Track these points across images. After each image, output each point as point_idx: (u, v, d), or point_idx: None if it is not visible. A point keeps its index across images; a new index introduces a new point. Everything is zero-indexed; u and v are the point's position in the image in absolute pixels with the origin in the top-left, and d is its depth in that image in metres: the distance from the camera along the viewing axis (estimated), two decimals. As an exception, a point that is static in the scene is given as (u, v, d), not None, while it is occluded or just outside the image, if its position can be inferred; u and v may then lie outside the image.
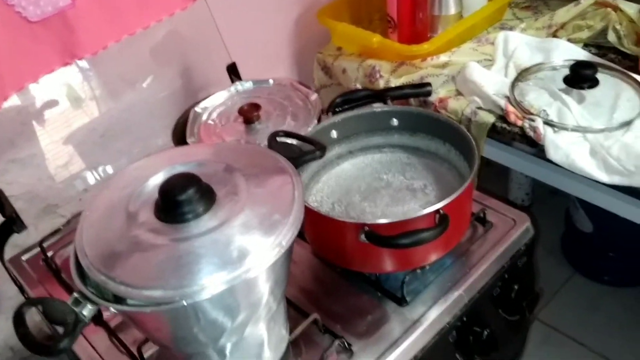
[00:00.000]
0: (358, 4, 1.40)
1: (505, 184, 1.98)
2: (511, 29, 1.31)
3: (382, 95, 0.91)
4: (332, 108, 0.89)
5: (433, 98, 1.18)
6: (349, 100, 0.90)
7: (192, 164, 0.69)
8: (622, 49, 1.19)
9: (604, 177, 0.97)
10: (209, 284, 0.58)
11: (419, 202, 0.84)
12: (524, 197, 1.94)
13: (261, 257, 0.60)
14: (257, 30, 1.36)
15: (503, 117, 1.10)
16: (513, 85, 1.14)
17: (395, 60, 1.27)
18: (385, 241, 0.73)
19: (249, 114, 0.96)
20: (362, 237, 0.71)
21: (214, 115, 1.03)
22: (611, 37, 1.20)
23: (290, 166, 0.68)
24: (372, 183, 0.90)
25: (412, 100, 1.21)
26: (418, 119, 0.88)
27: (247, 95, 1.06)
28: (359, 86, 1.30)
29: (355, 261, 0.80)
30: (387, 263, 0.79)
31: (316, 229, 0.81)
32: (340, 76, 1.36)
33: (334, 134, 0.90)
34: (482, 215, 0.89)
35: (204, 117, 1.03)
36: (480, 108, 1.14)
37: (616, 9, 1.19)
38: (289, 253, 0.66)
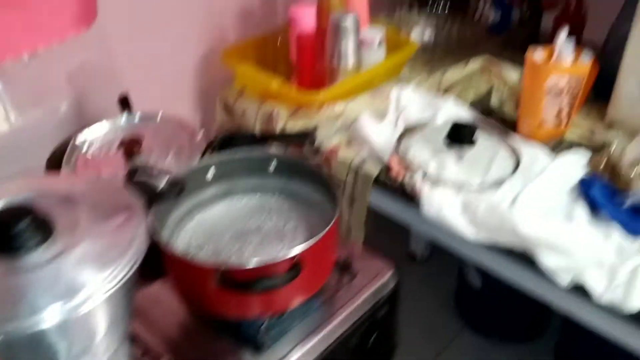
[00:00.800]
0: (264, 46, 1.43)
1: (407, 236, 2.03)
2: (407, 83, 1.36)
3: (264, 139, 0.93)
4: (212, 148, 0.90)
5: (325, 146, 1.21)
6: (230, 141, 0.91)
7: (32, 194, 0.67)
8: (502, 113, 1.26)
9: (470, 232, 1.01)
10: (38, 317, 0.58)
11: (285, 247, 0.85)
12: (422, 249, 1.99)
13: (94, 291, 0.60)
14: (161, 63, 1.36)
15: (387, 169, 1.14)
16: (399, 140, 1.19)
17: (293, 105, 1.29)
18: (238, 285, 0.73)
19: (129, 147, 0.95)
20: (216, 280, 0.71)
21: (95, 146, 1.02)
22: (494, 100, 1.27)
23: (139, 204, 0.67)
24: (245, 225, 0.90)
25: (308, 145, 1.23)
26: (293, 165, 0.90)
27: (132, 128, 1.05)
28: (258, 128, 1.32)
29: (213, 305, 0.79)
30: (244, 308, 0.79)
31: (174, 271, 0.80)
32: (240, 118, 1.37)
33: (210, 174, 0.91)
34: (347, 262, 0.91)
35: (84, 147, 1.01)
36: (367, 159, 1.17)
37: (499, 74, 1.27)
38: (128, 290, 0.65)
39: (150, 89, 1.34)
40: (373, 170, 1.15)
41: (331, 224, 0.76)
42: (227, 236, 0.88)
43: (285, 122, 1.27)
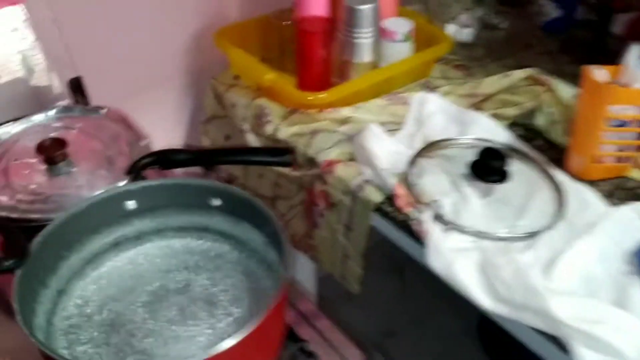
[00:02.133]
0: (270, 30, 1.19)
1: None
2: (435, 89, 1.11)
3: (213, 157, 0.69)
4: (136, 170, 0.68)
5: (322, 159, 0.98)
6: (165, 161, 0.68)
7: None
8: (550, 136, 0.99)
9: (487, 303, 0.77)
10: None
11: (210, 327, 0.62)
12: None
13: None
14: (145, 42, 1.14)
15: (392, 198, 0.90)
16: (413, 161, 0.94)
17: (288, 105, 1.06)
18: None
19: (49, 151, 0.74)
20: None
21: (18, 145, 0.81)
22: (540, 120, 1.01)
23: None
24: (168, 282, 0.67)
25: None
26: (242, 204, 0.66)
27: (67, 124, 0.84)
28: (247, 127, 1.09)
29: None
30: None
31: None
32: (229, 110, 1.15)
33: (131, 204, 0.68)
34: (304, 348, 0.67)
35: (4, 145, 0.81)
36: (369, 182, 0.94)
37: (549, 89, 1.00)
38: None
39: (131, 71, 1.13)
40: (374, 196, 0.92)
41: (270, 306, 0.53)
42: (142, 297, 0.65)
43: (277, 125, 1.04)
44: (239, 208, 0.66)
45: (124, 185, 0.67)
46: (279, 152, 0.76)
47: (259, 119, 1.07)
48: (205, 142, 1.21)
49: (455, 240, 0.83)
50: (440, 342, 1.63)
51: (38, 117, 0.86)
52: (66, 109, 0.87)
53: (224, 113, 1.18)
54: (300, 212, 1.09)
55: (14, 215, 0.71)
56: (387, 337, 1.65)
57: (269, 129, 1.04)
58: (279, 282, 0.55)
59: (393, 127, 1.03)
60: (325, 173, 0.98)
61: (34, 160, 0.78)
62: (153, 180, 0.67)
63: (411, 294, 1.74)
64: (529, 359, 1.50)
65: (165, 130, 1.25)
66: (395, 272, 1.77)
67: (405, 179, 0.91)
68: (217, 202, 0.67)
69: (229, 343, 0.50)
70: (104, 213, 0.66)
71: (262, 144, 1.07)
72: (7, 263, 0.47)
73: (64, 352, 0.58)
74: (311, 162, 1.00)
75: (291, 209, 1.11)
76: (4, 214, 0.71)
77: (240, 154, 0.76)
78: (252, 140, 1.08)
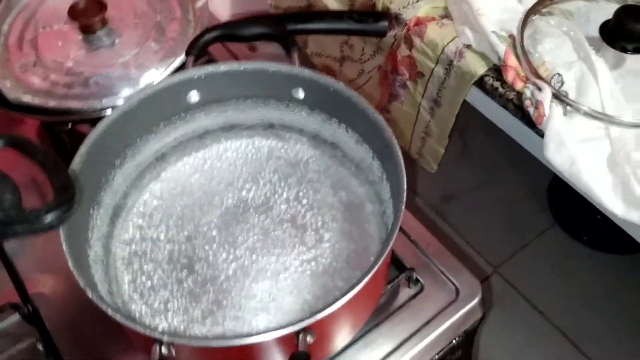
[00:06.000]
0: None
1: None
2: None
3: (291, 28, 0.53)
4: (197, 49, 0.52)
5: (409, 16, 0.80)
6: (230, 36, 0.52)
7: None
8: None
9: (618, 208, 0.64)
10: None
11: (299, 256, 0.51)
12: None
13: None
14: None
15: (499, 69, 0.74)
16: (526, 20, 0.75)
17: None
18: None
19: (84, 17, 0.59)
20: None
21: (45, 5, 0.65)
22: (693, -35, 0.78)
23: None
24: (244, 197, 0.55)
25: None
26: (335, 96, 0.51)
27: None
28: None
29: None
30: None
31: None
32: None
33: (193, 95, 0.53)
34: (410, 276, 0.56)
35: (30, 5, 0.65)
36: (469, 47, 0.76)
37: None
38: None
39: None
40: (477, 66, 0.76)
41: (384, 255, 0.41)
42: (213, 215, 0.53)
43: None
44: (330, 102, 0.51)
45: (184, 72, 0.52)
46: (373, 17, 0.59)
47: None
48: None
49: (580, 127, 0.68)
50: (503, 207, 1.54)
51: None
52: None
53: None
54: (375, 79, 0.93)
55: (52, 103, 0.59)
56: (446, 201, 1.56)
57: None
58: (393, 232, 0.42)
59: (499, -28, 0.82)
60: (412, 34, 0.80)
61: (66, 27, 0.63)
62: (220, 64, 0.52)
63: (472, 156, 1.63)
64: (602, 231, 1.43)
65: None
66: (456, 131, 1.64)
67: (517, 45, 0.74)
68: (301, 93, 0.52)
69: (339, 303, 0.39)
70: (162, 107, 0.53)
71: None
72: (51, 216, 0.35)
73: (128, 289, 0.49)
74: (395, 19, 0.82)
75: (362, 74, 0.95)
76: (37, 101, 0.58)
77: (325, 21, 0.59)
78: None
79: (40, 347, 0.53)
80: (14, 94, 0.59)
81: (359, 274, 0.45)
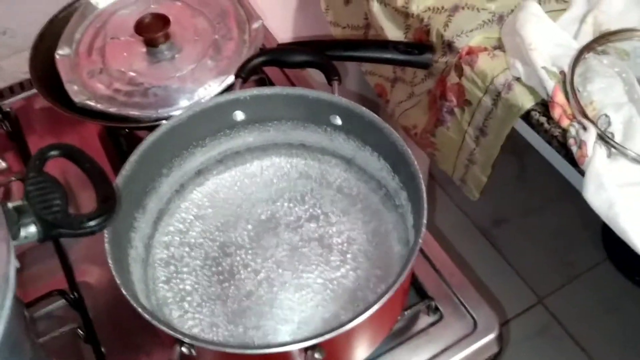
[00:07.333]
0: None
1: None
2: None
3: (335, 54, 0.56)
4: (245, 73, 0.56)
5: (461, 44, 0.81)
6: (275, 62, 0.55)
7: None
8: None
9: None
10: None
11: (322, 275, 0.54)
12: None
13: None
14: None
15: (546, 104, 0.74)
16: (579, 57, 0.75)
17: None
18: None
19: (149, 31, 0.64)
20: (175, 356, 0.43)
21: (115, 17, 0.71)
22: None
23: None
24: (277, 213, 0.58)
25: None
26: (368, 127, 0.53)
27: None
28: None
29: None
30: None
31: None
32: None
33: (239, 114, 0.57)
34: (429, 305, 0.58)
35: (101, 16, 0.71)
36: (519, 80, 0.77)
37: None
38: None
39: None
40: (524, 100, 0.76)
41: (396, 285, 0.43)
42: (247, 227, 0.57)
43: (412, -7, 0.85)
44: (365, 131, 0.54)
45: (232, 93, 0.56)
46: (418, 49, 0.61)
47: (388, -15, 0.89)
48: (322, 5, 1.05)
49: (623, 170, 0.67)
50: (555, 236, 1.51)
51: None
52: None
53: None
54: (423, 102, 0.94)
55: (112, 109, 0.64)
56: (497, 224, 1.54)
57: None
58: (412, 252, 0.45)
59: (556, 6, 0.82)
60: (463, 63, 0.81)
61: (132, 39, 0.68)
62: (265, 88, 0.56)
63: (528, 180, 1.60)
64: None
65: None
66: (514, 154, 1.62)
67: (566, 82, 0.73)
68: (338, 120, 0.55)
69: (350, 325, 0.42)
70: (209, 123, 0.57)
71: (389, 16, 0.90)
72: (92, 223, 0.39)
73: (164, 288, 0.53)
74: (448, 46, 0.83)
75: (412, 96, 0.96)
76: (100, 106, 0.63)
77: (370, 50, 0.62)
78: (377, 11, 0.91)
79: (81, 332, 0.58)
80: (79, 97, 0.65)
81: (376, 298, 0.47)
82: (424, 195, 0.47)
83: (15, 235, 0.37)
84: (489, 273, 1.41)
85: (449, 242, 1.41)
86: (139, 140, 0.55)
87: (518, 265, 1.48)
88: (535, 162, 1.56)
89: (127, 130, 0.66)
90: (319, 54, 0.57)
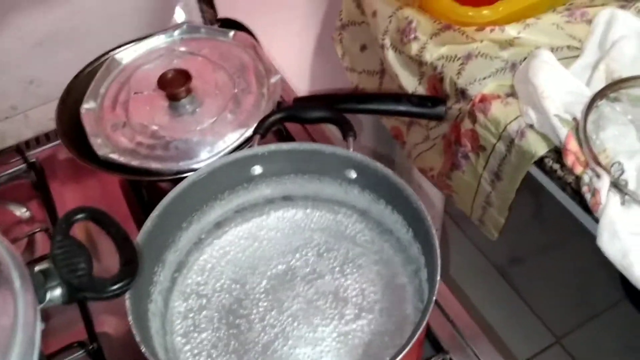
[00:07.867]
0: None
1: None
2: (631, 3, 0.87)
3: (350, 108, 0.57)
4: (263, 129, 0.57)
5: (474, 92, 0.82)
6: (293, 118, 0.57)
7: None
8: None
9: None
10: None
11: (337, 329, 0.54)
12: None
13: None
14: None
15: (559, 151, 0.75)
16: (591, 105, 0.76)
17: (441, 19, 0.89)
18: None
19: (171, 86, 0.66)
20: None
21: (139, 72, 0.73)
22: None
23: (25, 286, 0.38)
24: (294, 266, 0.59)
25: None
26: (382, 181, 0.55)
27: (191, 49, 0.74)
28: (387, 42, 0.94)
29: None
30: None
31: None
32: (370, 18, 0.99)
33: (257, 169, 0.59)
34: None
35: (126, 71, 0.74)
36: (532, 127, 0.78)
37: None
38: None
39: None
40: (538, 147, 0.76)
41: (417, 333, 0.44)
42: (263, 280, 0.58)
43: (424, 43, 0.87)
44: (379, 185, 0.55)
45: (250, 149, 0.58)
46: (431, 102, 0.62)
47: (403, 34, 0.91)
48: (339, 51, 1.07)
49: (637, 218, 0.67)
50: (572, 275, 1.50)
51: (160, 39, 0.76)
52: (190, 29, 0.77)
53: (362, 19, 1.03)
54: (439, 146, 0.95)
55: (134, 162, 0.66)
56: (513, 263, 1.53)
57: (414, 47, 0.88)
58: (426, 310, 0.45)
59: (568, 53, 0.84)
60: (476, 110, 0.83)
61: (155, 94, 0.70)
62: (282, 144, 0.57)
63: (545, 218, 1.59)
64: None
65: (293, 43, 1.12)
66: (531, 193, 1.61)
67: (579, 129, 0.74)
68: (353, 174, 0.57)
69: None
70: (229, 178, 0.59)
71: (403, 64, 0.92)
72: (115, 287, 0.40)
73: (181, 341, 0.54)
74: (461, 93, 0.85)
75: (427, 139, 0.98)
76: (122, 159, 0.65)
77: (383, 103, 0.63)
78: (392, 58, 0.93)
79: (100, 383, 0.59)
80: (103, 151, 0.67)
81: (392, 352, 0.47)
82: (438, 252, 0.48)
83: (42, 299, 0.39)
84: (505, 312, 1.40)
85: (464, 283, 1.40)
86: (160, 191, 0.57)
87: (535, 305, 1.47)
88: (551, 201, 1.56)
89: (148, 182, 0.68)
90: (333, 109, 0.59)
